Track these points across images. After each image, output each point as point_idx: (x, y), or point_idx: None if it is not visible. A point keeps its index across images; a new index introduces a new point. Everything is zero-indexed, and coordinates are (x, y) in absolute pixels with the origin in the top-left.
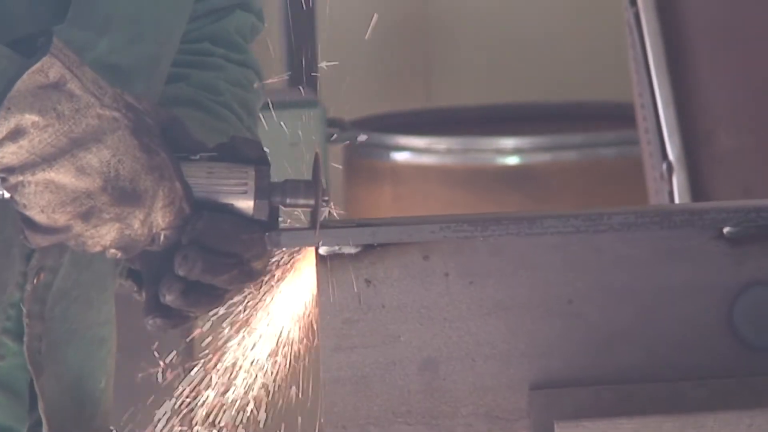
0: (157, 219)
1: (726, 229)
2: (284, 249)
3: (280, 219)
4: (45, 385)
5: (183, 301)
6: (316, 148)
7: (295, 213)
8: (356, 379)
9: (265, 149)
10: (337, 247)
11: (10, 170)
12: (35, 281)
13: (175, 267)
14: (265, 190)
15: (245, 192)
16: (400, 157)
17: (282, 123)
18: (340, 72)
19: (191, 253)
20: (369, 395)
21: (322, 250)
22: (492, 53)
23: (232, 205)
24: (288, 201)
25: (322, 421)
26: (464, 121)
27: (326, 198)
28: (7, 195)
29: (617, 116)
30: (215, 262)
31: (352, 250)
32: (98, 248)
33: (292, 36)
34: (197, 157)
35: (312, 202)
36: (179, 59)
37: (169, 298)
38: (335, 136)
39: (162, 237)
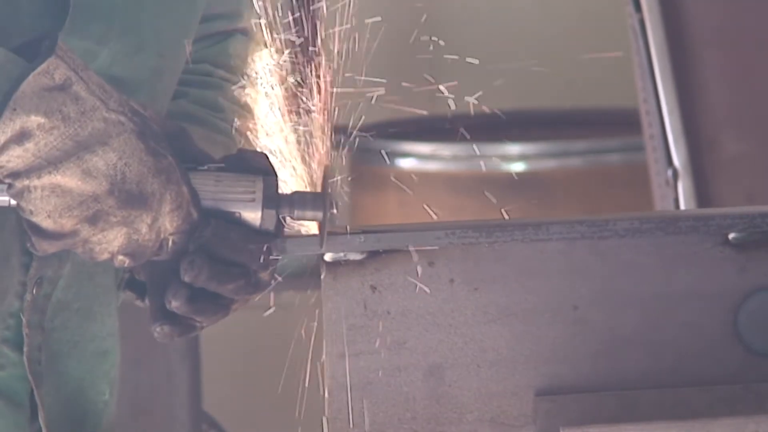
0: (164, 223)
1: (731, 235)
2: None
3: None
4: (45, 395)
5: (189, 308)
6: (326, 161)
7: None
8: (362, 386)
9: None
10: (342, 254)
11: (16, 175)
12: (34, 291)
13: (182, 273)
14: (272, 200)
15: (253, 200)
16: (405, 163)
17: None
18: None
19: (198, 259)
20: (374, 401)
21: (328, 257)
22: (496, 59)
23: (239, 214)
24: (296, 213)
25: (328, 427)
26: (469, 127)
27: (334, 211)
28: (13, 202)
29: (622, 122)
30: (222, 270)
31: (358, 257)
32: (106, 255)
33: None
34: (205, 167)
35: (320, 214)
36: (179, 78)
37: (175, 304)
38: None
39: (170, 243)
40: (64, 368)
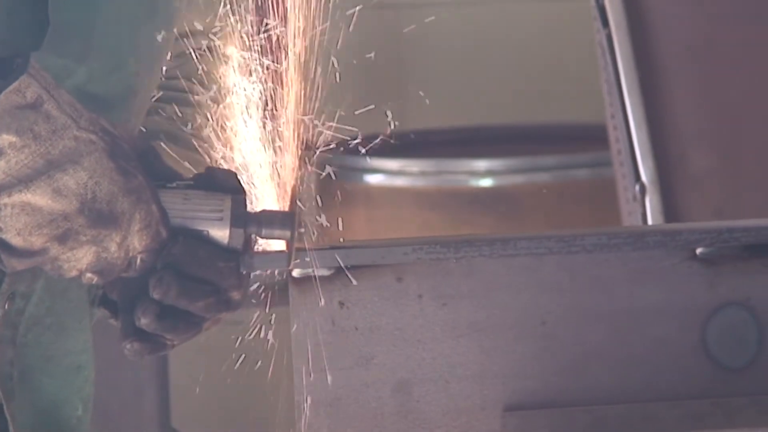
0: (133, 242)
1: (699, 250)
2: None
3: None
4: (16, 410)
5: (158, 325)
6: (295, 180)
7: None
8: (330, 401)
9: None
10: (310, 270)
11: None
12: (6, 306)
13: (150, 290)
14: (240, 219)
15: (221, 219)
16: (373, 179)
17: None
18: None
19: (166, 276)
20: (343, 417)
21: (296, 273)
22: (464, 75)
23: (207, 232)
24: (264, 231)
25: None
26: (437, 143)
27: (302, 230)
28: None
29: (590, 138)
30: (191, 287)
31: (326, 273)
32: (74, 272)
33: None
34: (173, 185)
35: (288, 233)
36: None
37: (144, 321)
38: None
39: (138, 261)
40: (38, 384)
